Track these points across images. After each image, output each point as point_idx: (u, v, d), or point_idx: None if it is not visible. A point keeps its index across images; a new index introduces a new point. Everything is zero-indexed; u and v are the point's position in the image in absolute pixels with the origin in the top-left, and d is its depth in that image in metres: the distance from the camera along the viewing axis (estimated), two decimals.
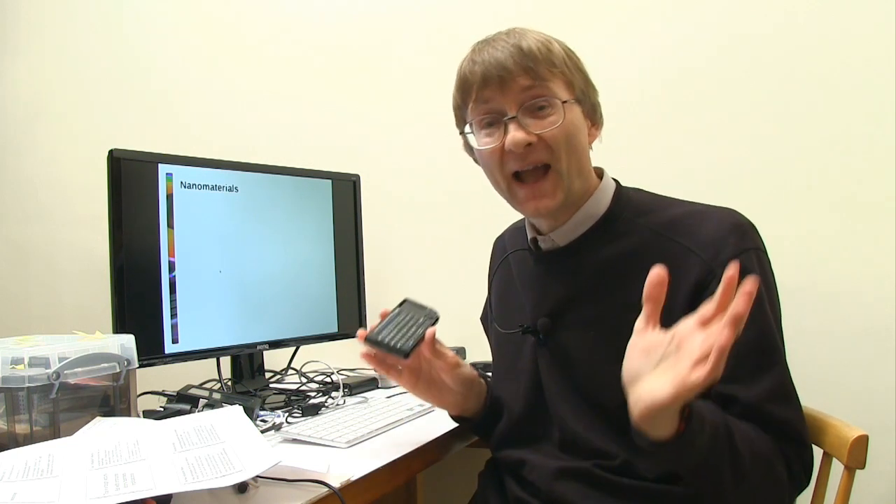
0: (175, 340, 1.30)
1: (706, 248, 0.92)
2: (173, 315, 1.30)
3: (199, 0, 2.10)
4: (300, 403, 1.34)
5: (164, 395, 1.32)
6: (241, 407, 1.03)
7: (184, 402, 1.25)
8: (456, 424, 1.21)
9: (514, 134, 0.95)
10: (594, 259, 1.01)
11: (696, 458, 0.79)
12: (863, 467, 0.95)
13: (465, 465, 1.37)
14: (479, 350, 1.29)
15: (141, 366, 1.11)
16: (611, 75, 1.60)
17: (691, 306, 0.78)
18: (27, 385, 0.94)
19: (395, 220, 1.87)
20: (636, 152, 1.60)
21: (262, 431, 1.15)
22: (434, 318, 1.06)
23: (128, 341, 1.08)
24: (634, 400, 0.76)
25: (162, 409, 1.25)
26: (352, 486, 0.95)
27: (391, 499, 1.43)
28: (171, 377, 1.37)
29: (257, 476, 0.84)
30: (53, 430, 0.98)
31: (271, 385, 1.55)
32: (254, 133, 2.00)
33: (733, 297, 0.70)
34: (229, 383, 1.45)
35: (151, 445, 0.88)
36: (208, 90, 2.08)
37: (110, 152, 1.25)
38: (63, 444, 0.89)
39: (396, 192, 1.87)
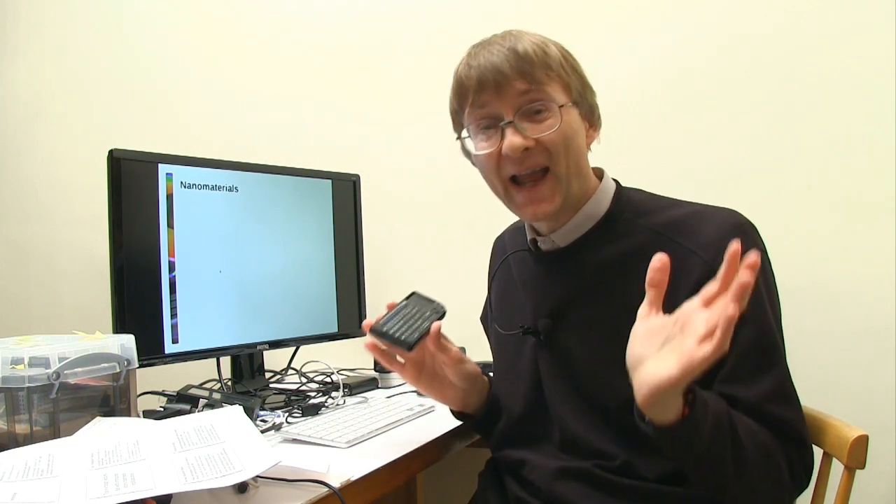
0: (175, 340, 1.30)
1: (707, 248, 0.92)
2: (173, 315, 1.30)
3: (199, 0, 2.10)
4: (300, 403, 1.34)
5: (164, 395, 1.32)
6: (241, 407, 1.03)
7: (184, 402, 1.25)
8: (456, 424, 1.21)
9: (512, 139, 0.95)
10: (595, 260, 1.01)
11: (700, 445, 0.79)
12: (863, 467, 0.95)
13: (465, 465, 1.38)
14: (479, 350, 1.29)
15: (141, 366, 1.11)
16: (611, 75, 1.61)
17: None
18: (27, 385, 0.94)
19: (395, 220, 1.87)
20: (636, 152, 1.60)
21: (262, 431, 1.15)
22: (441, 313, 1.06)
23: (128, 341, 1.08)
24: (639, 383, 0.75)
25: (162, 409, 1.25)
26: (352, 486, 0.95)
27: (391, 499, 1.43)
28: (171, 377, 1.37)
29: (257, 476, 0.84)
30: (53, 430, 0.98)
31: (271, 385, 1.55)
32: (254, 133, 2.00)
33: (736, 273, 0.70)
34: (229, 383, 1.45)
35: (151, 445, 0.88)
36: (208, 90, 2.08)
37: (110, 152, 1.25)
38: (63, 444, 0.89)
39: (396, 192, 1.87)
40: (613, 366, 0.82)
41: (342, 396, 1.45)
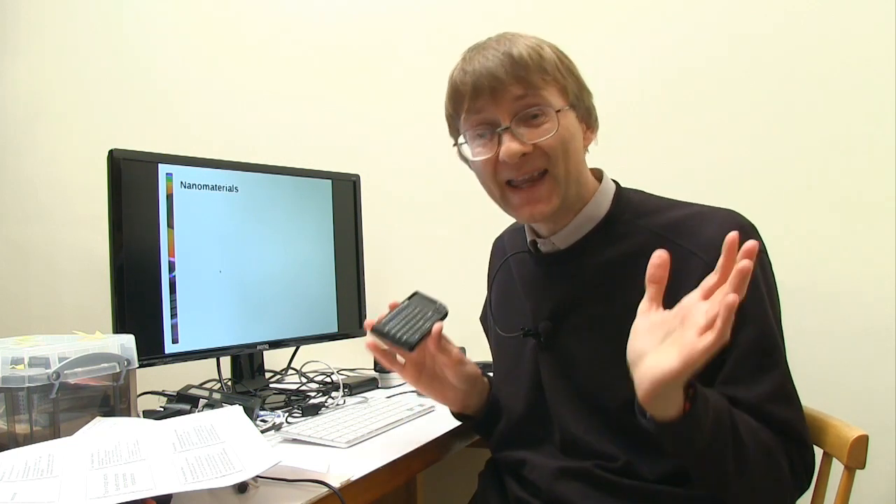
0: (175, 340, 1.30)
1: (708, 249, 0.92)
2: (173, 315, 1.30)
3: (199, 0, 2.10)
4: (300, 403, 1.34)
5: (164, 395, 1.32)
6: (241, 407, 1.02)
7: (184, 402, 1.25)
8: (456, 424, 1.21)
9: (509, 145, 0.94)
10: (595, 261, 1.01)
11: (701, 441, 0.79)
12: (863, 467, 0.95)
13: (465, 465, 1.37)
14: (479, 350, 1.29)
15: (141, 366, 1.11)
16: (611, 75, 1.62)
17: None
18: (27, 385, 0.94)
19: (395, 220, 1.87)
20: (636, 152, 1.60)
21: (262, 431, 1.15)
22: (442, 313, 1.05)
23: (128, 341, 1.08)
24: (640, 377, 0.75)
25: (162, 409, 1.25)
26: (352, 486, 0.95)
27: (391, 499, 1.43)
28: (171, 377, 1.37)
29: (257, 476, 0.84)
30: (53, 430, 0.98)
31: (271, 385, 1.55)
32: (254, 133, 2.00)
33: (735, 263, 0.70)
34: (229, 383, 1.45)
35: (151, 445, 0.88)
36: (208, 90, 2.08)
37: (110, 152, 1.25)
38: (63, 444, 0.89)
39: (396, 192, 1.87)
40: (614, 367, 0.81)
41: (342, 396, 1.45)
